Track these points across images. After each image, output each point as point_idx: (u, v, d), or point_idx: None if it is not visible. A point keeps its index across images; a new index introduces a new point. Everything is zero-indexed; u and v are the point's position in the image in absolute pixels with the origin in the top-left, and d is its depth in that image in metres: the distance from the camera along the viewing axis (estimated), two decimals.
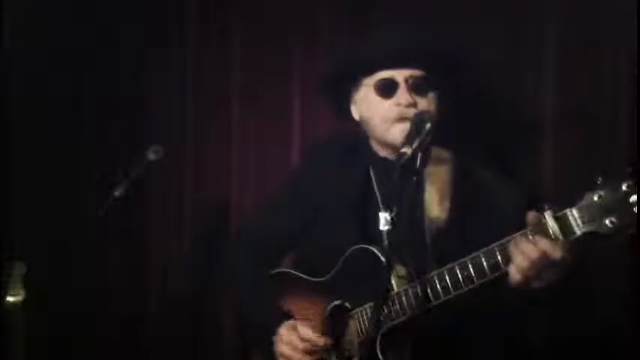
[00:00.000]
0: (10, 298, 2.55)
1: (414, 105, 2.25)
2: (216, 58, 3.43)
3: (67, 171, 3.51)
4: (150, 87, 3.57)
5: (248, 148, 3.37)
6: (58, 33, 3.46)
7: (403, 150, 2.05)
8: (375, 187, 2.38)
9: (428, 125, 2.13)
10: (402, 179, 2.13)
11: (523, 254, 1.92)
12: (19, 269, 2.59)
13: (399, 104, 2.26)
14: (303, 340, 2.28)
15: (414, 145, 2.06)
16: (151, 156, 2.91)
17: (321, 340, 2.26)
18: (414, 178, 2.21)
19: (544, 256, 1.90)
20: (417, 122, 2.15)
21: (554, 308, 2.10)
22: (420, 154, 2.06)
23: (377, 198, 2.35)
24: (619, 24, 2.61)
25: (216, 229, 3.41)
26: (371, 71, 2.31)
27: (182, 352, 3.42)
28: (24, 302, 2.56)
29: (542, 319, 2.14)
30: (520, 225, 1.97)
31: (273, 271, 2.51)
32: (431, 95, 2.29)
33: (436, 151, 2.36)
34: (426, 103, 2.28)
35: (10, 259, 2.64)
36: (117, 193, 2.83)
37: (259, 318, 2.42)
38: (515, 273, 1.94)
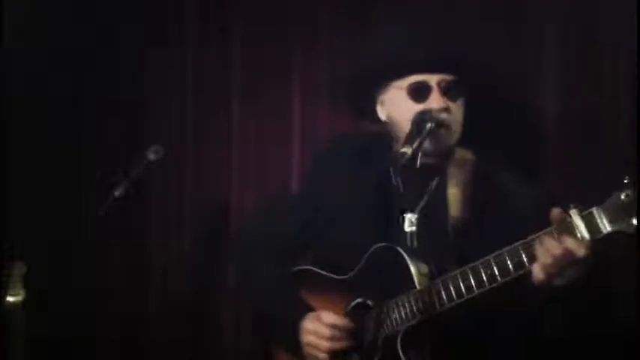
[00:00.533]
0: (10, 298, 2.55)
1: (446, 109, 2.25)
2: (216, 58, 3.43)
3: (67, 171, 3.51)
4: (150, 87, 3.56)
5: (248, 148, 3.37)
6: (58, 33, 3.46)
7: (403, 150, 2.06)
8: (400, 186, 2.35)
9: (429, 125, 2.15)
10: (425, 179, 2.23)
11: (548, 252, 1.92)
12: (19, 269, 2.58)
13: (431, 108, 2.25)
14: (327, 325, 2.28)
15: (415, 145, 2.07)
16: (151, 156, 2.90)
17: (344, 322, 2.26)
18: (437, 179, 2.28)
19: (568, 254, 1.90)
20: (418, 122, 2.16)
21: (576, 306, 2.08)
22: (420, 154, 2.07)
23: (399, 198, 2.33)
24: (619, 24, 2.61)
25: (216, 229, 3.41)
26: (403, 74, 2.30)
27: (182, 352, 3.42)
28: (24, 302, 2.56)
29: (563, 318, 2.11)
30: (539, 226, 1.96)
31: (294, 268, 2.50)
32: (459, 101, 2.30)
33: (460, 152, 2.37)
34: (456, 108, 2.28)
35: (10, 259, 2.63)
36: (117, 193, 2.83)
37: (283, 313, 2.41)
38: (538, 271, 1.94)
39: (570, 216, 1.91)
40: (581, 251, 1.89)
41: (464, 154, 2.38)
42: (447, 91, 2.27)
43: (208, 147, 3.45)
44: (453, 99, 2.28)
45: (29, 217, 3.31)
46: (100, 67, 3.54)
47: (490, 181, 2.31)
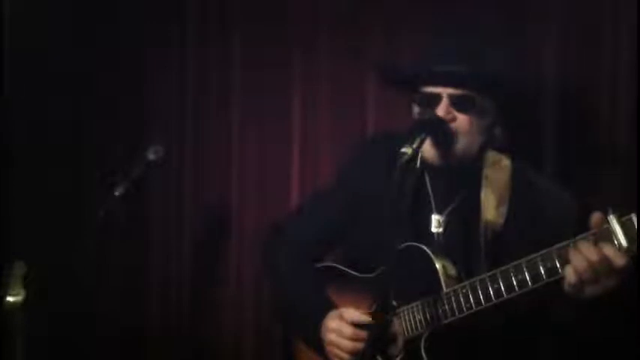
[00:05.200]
0: (10, 298, 2.55)
1: (454, 119, 2.19)
2: (216, 58, 3.44)
3: (68, 171, 3.51)
4: (150, 87, 3.57)
5: (248, 148, 3.37)
6: (58, 33, 3.46)
7: (403, 150, 2.04)
8: (429, 188, 2.33)
9: (429, 126, 2.14)
10: (457, 182, 2.20)
11: (583, 258, 1.84)
12: (19, 269, 2.58)
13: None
14: (350, 324, 2.23)
15: (415, 145, 2.06)
16: (151, 156, 2.91)
17: (367, 320, 2.19)
18: (470, 182, 2.24)
19: (604, 262, 1.82)
20: (419, 122, 2.16)
21: (609, 315, 2.00)
22: (420, 154, 2.06)
23: (429, 199, 2.31)
24: (619, 24, 2.61)
25: (216, 229, 3.41)
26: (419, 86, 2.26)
27: (182, 352, 3.42)
28: (24, 302, 2.56)
29: (595, 326, 2.04)
30: (574, 236, 1.90)
31: (319, 265, 2.47)
32: (470, 114, 2.21)
33: (496, 157, 2.31)
34: (465, 120, 2.20)
35: (10, 259, 2.64)
36: (117, 193, 2.83)
37: (307, 309, 2.37)
38: (570, 274, 1.86)
39: (608, 221, 1.82)
40: (618, 260, 1.81)
41: (500, 158, 2.31)
42: (455, 102, 2.20)
43: (208, 147, 3.45)
44: (463, 111, 2.20)
45: (29, 217, 3.32)
46: (101, 67, 3.54)
47: (529, 187, 2.25)
